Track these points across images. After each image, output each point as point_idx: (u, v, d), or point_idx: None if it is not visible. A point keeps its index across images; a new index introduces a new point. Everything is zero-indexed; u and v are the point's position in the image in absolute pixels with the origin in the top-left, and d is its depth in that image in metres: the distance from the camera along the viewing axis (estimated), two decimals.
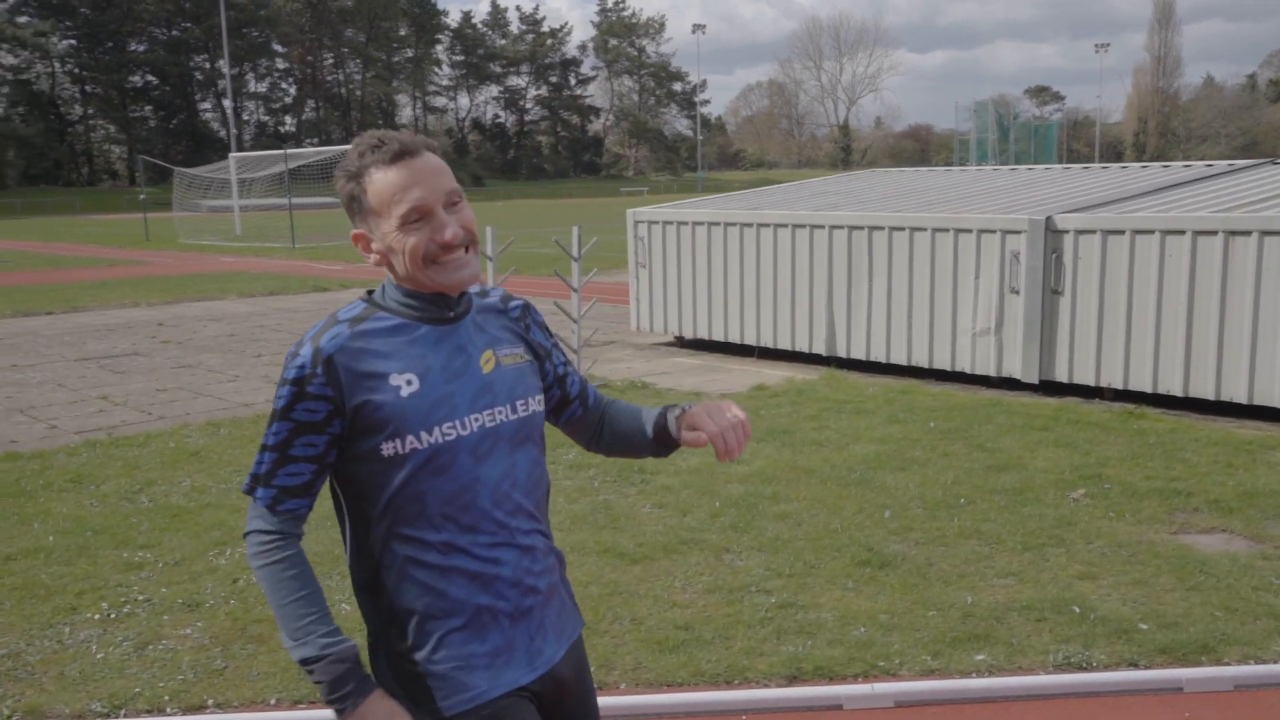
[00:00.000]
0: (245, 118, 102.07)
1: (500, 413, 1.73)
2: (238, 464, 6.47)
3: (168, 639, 4.08)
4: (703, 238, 10.28)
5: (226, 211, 37.18)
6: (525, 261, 19.35)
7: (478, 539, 1.69)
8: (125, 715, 3.56)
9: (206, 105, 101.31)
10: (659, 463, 6.34)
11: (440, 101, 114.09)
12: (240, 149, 65.45)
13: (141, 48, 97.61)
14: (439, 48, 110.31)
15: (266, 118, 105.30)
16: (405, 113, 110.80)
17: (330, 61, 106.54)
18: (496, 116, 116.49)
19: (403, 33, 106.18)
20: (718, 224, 10.13)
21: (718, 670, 3.78)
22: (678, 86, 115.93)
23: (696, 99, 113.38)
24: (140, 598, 4.45)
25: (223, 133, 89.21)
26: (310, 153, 34.68)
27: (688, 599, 4.39)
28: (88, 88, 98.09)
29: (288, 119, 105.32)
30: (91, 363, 10.37)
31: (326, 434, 1.64)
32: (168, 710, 3.59)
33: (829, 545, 4.91)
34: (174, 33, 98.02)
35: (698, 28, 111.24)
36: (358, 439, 1.64)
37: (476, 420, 1.69)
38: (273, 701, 3.63)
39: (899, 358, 8.90)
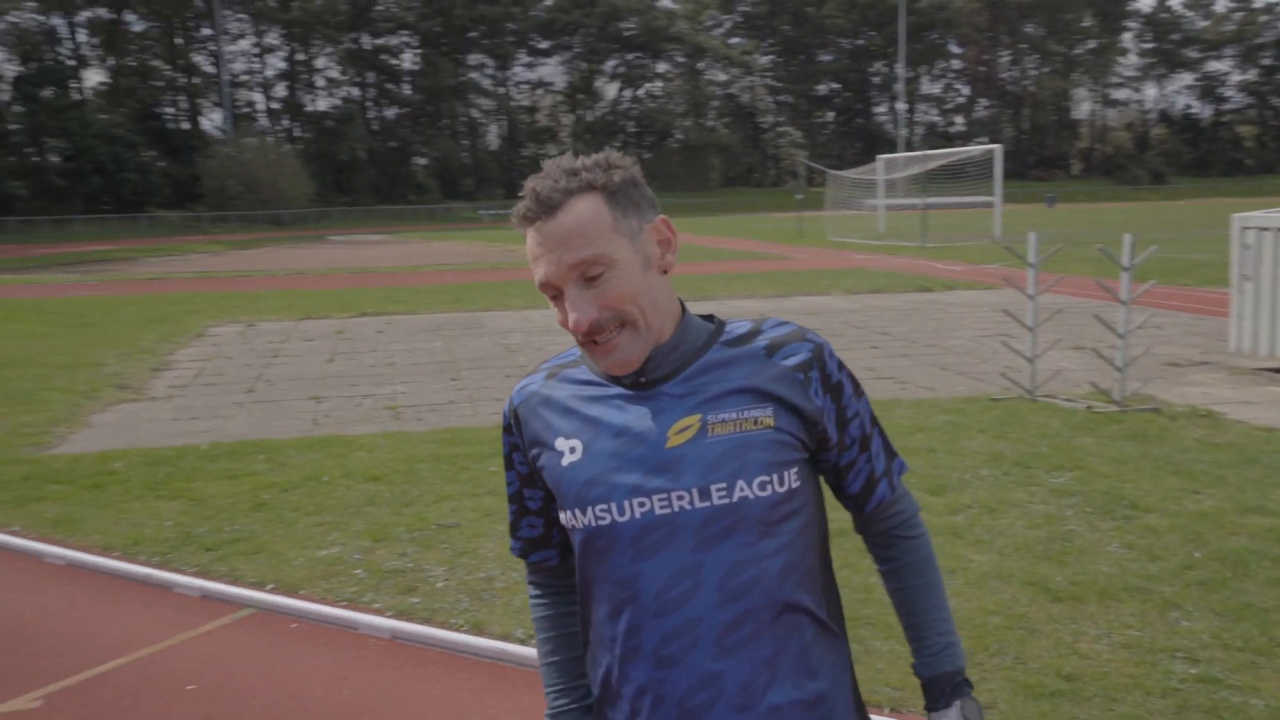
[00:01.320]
0: (916, 119, 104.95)
1: (680, 498, 1.37)
2: None
3: None
4: None
5: (873, 210, 38.93)
6: (1171, 270, 17.58)
7: (641, 647, 1.41)
8: (531, 641, 4.23)
9: (881, 109, 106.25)
10: (1154, 498, 5.61)
11: (1122, 94, 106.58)
12: (909, 149, 67.69)
13: (828, 58, 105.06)
14: (1126, 36, 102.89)
15: (937, 118, 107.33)
16: (1083, 107, 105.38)
17: (1006, 59, 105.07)
18: (1188, 107, 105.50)
19: (1086, 24, 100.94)
20: None
21: None
22: None
23: None
24: None
25: (894, 134, 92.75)
26: (948, 153, 34.89)
27: (1094, 650, 3.92)
28: (780, 98, 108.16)
29: (958, 119, 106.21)
30: None
31: (538, 488, 1.53)
32: None
33: None
34: (858, 41, 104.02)
35: None
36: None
37: (642, 505, 1.38)
38: None
39: None
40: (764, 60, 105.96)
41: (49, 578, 5.11)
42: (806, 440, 1.44)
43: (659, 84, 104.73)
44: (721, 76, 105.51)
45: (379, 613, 4.50)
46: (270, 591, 4.76)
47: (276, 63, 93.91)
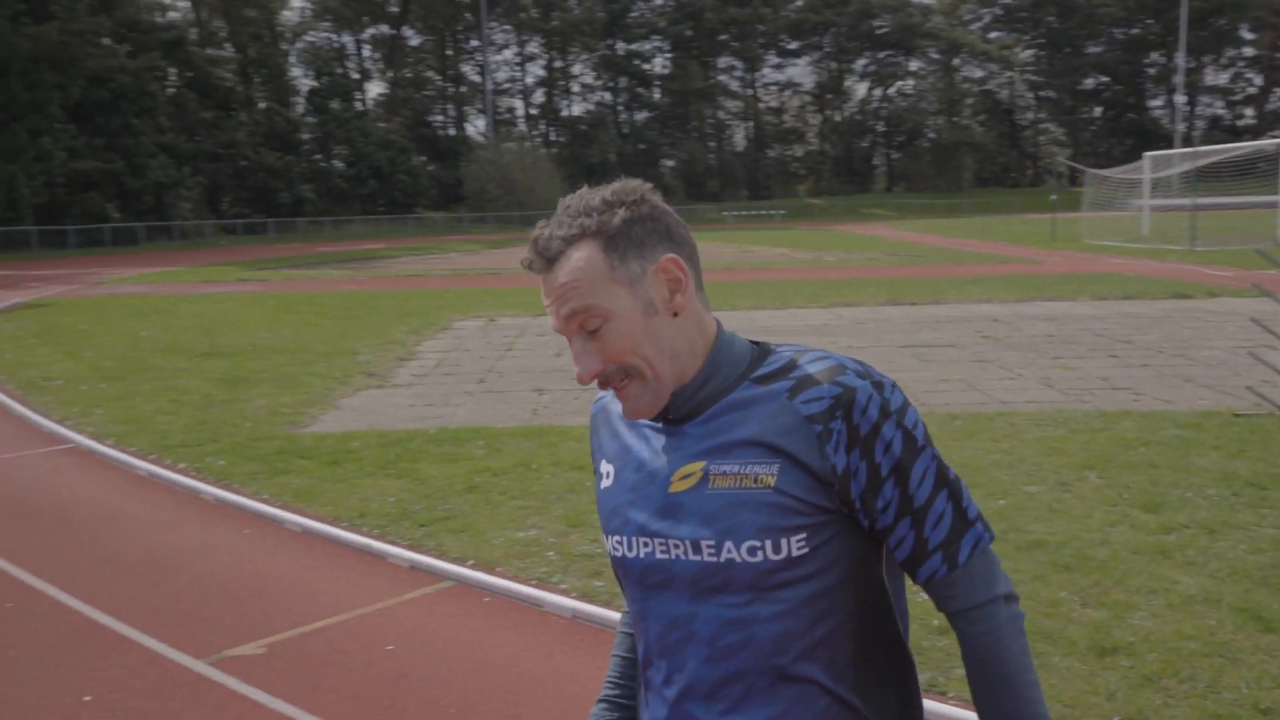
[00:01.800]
0: (1197, 112, 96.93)
1: (676, 547, 1.32)
2: (957, 459, 6.86)
3: None
4: None
5: (1137, 211, 36.33)
6: None
7: (651, 681, 1.39)
8: None
9: (1156, 102, 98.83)
10: None
11: None
12: (1188, 145, 62.82)
13: (1097, 49, 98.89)
14: None
15: (1223, 111, 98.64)
16: None
17: None
18: None
19: None
20: None
21: None
22: None
23: None
24: None
25: (1170, 128, 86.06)
26: (1231, 148, 31.98)
27: None
28: (1041, 93, 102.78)
29: (1248, 111, 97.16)
30: (908, 350, 11.56)
31: None
32: None
33: None
34: (1132, 31, 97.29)
35: None
36: None
37: (645, 545, 1.35)
38: None
39: None
40: (1025, 54, 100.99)
41: (286, 542, 5.71)
42: (822, 503, 1.29)
43: (910, 82, 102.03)
44: (978, 73, 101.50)
45: (564, 593, 4.76)
46: (470, 567, 5.12)
47: (536, 70, 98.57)
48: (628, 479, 1.39)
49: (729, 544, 1.28)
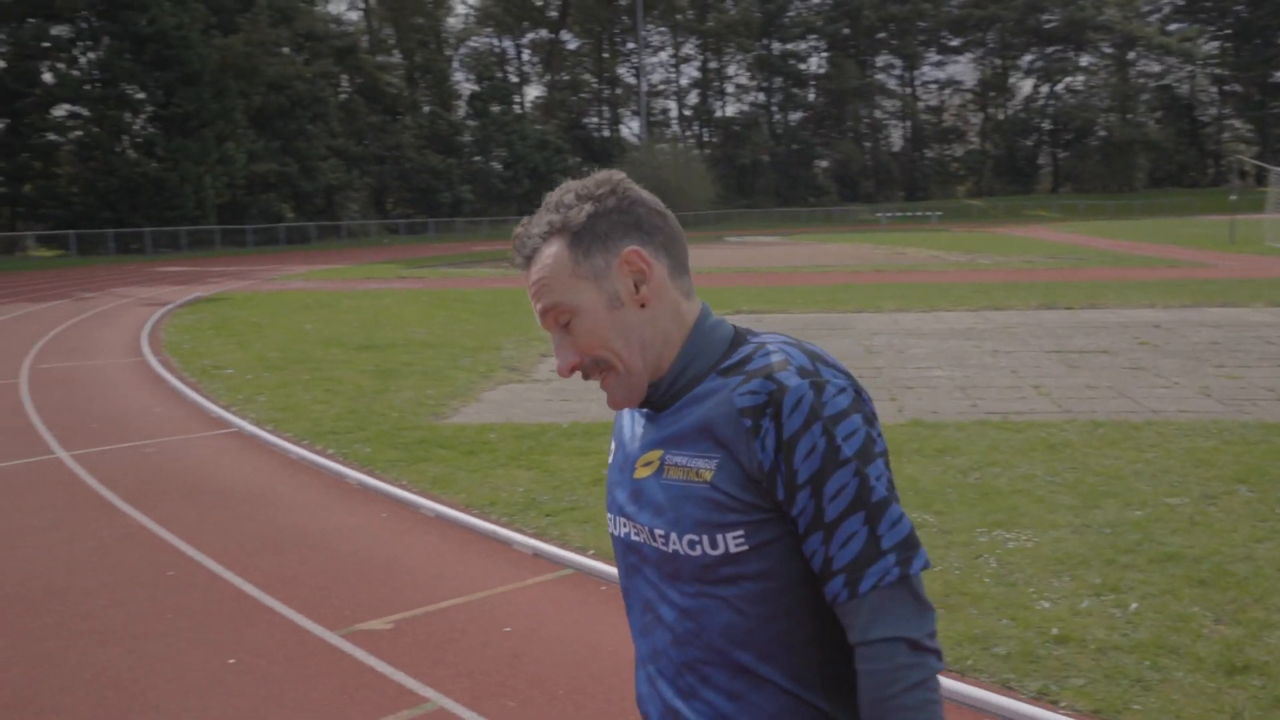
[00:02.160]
0: None
1: (641, 533, 1.36)
2: (1096, 467, 6.62)
3: None
4: None
5: None
6: None
7: (638, 655, 1.43)
8: None
9: None
10: None
11: None
12: None
13: None
14: None
15: None
16: None
17: None
18: None
19: None
20: None
21: None
22: None
23: None
24: None
25: None
26: None
27: None
28: (1227, 87, 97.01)
29: None
30: (1057, 355, 11.15)
31: None
32: None
33: None
34: None
35: None
36: None
37: (623, 526, 1.40)
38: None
39: None
40: (1209, 47, 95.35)
41: (420, 526, 5.99)
42: (755, 501, 1.27)
43: (1080, 78, 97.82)
44: (1155, 67, 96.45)
45: None
46: (590, 556, 5.26)
47: (691, 72, 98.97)
48: (618, 459, 1.44)
49: (674, 535, 1.30)
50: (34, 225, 48.80)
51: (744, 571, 1.28)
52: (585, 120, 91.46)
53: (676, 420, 1.33)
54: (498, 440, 7.81)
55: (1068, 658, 3.93)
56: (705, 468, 1.28)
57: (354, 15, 76.03)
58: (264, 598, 4.90)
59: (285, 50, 58.38)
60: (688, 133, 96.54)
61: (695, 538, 1.28)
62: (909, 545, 1.25)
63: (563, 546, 5.42)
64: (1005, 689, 3.74)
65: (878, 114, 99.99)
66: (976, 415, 8.21)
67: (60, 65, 50.49)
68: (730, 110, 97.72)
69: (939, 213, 73.84)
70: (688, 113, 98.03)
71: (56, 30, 50.51)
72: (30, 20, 48.41)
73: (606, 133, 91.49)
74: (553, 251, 1.34)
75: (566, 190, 1.38)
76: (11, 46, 48.56)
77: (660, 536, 1.32)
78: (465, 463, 7.19)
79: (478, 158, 73.51)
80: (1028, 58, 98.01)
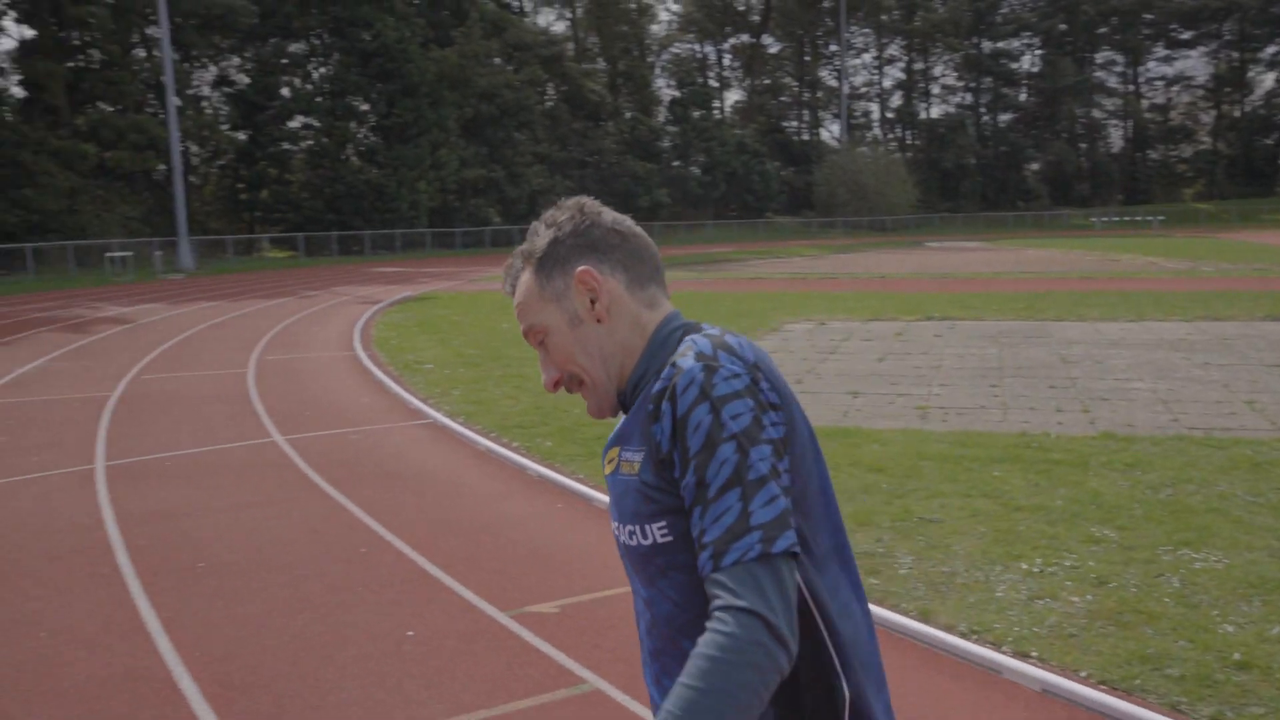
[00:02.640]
0: None
1: (615, 527, 1.45)
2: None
3: (1059, 600, 4.59)
4: None
5: None
6: None
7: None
8: (973, 637, 4.29)
9: None
10: None
11: None
12: None
13: None
14: None
15: None
16: None
17: None
18: None
19: None
20: None
21: None
22: None
23: None
24: (1068, 564, 4.99)
25: None
26: None
27: None
28: None
29: None
30: (1278, 370, 10.36)
31: None
32: (1002, 647, 4.19)
33: None
34: None
35: None
36: None
37: (614, 522, 1.46)
38: (1082, 675, 3.91)
39: None
40: None
41: (592, 517, 6.22)
42: (669, 488, 1.32)
43: None
44: None
45: None
46: None
47: (895, 73, 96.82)
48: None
49: (623, 527, 1.39)
50: (268, 228, 52.81)
51: (674, 562, 1.33)
52: (784, 124, 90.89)
53: (628, 419, 1.42)
54: None
55: (1249, 685, 3.72)
56: (636, 460, 1.36)
57: (561, 26, 78.36)
58: (444, 577, 5.23)
59: (497, 61, 60.85)
60: (889, 135, 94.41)
61: (634, 529, 1.36)
62: (778, 525, 1.24)
63: None
64: (1174, 711, 3.59)
65: (1095, 113, 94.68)
66: (1176, 430, 7.76)
67: (295, 80, 54.51)
68: (935, 112, 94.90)
69: (1161, 217, 69.28)
70: (890, 115, 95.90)
71: (294, 48, 54.59)
72: (272, 40, 52.51)
73: (806, 136, 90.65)
74: (525, 279, 1.49)
75: (539, 221, 1.51)
76: (255, 64, 52.78)
77: (618, 529, 1.42)
78: None
79: (677, 162, 74.35)
80: (1270, 49, 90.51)
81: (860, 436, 7.84)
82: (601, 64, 77.60)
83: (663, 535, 1.33)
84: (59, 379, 12.24)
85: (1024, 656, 4.07)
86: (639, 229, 1.53)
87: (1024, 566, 5.00)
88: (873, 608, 4.56)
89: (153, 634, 4.57)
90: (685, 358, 1.33)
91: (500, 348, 14.05)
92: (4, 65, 43.10)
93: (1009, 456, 7.05)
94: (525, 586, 5.07)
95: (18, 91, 42.21)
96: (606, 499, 6.40)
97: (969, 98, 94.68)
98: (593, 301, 1.45)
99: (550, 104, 67.39)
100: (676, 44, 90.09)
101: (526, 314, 1.48)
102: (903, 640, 4.33)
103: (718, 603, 1.20)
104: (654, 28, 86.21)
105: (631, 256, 1.49)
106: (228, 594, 5.05)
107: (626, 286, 1.47)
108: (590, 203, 1.51)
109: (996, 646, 4.17)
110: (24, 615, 4.83)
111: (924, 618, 4.47)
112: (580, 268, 1.46)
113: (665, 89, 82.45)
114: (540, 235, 1.49)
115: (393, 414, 9.73)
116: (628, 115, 73.40)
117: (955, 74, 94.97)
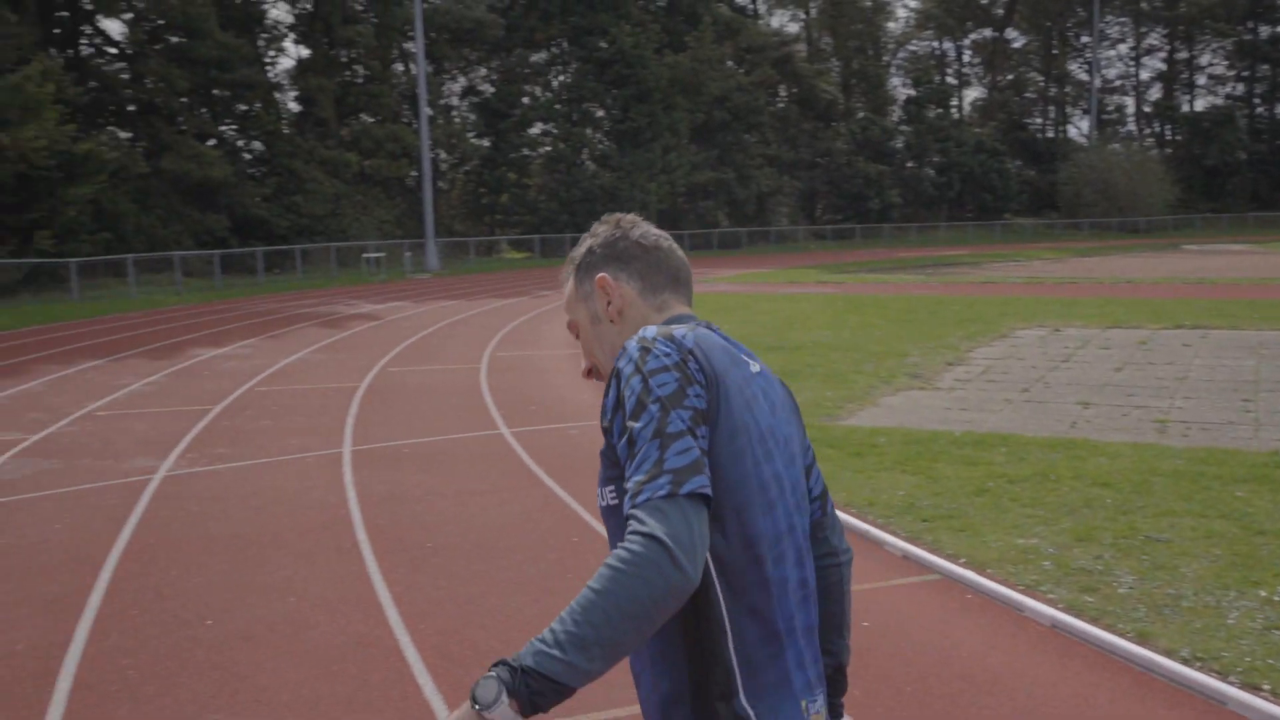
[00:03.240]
0: None
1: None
2: None
3: None
4: None
5: None
6: None
7: None
8: (1196, 664, 4.03)
9: None
10: None
11: None
12: None
13: None
14: None
15: None
16: None
17: None
18: None
19: None
20: None
21: None
22: None
23: None
24: None
25: None
26: None
27: None
28: None
29: None
30: None
31: None
32: (1229, 676, 3.92)
33: None
34: None
35: None
36: None
37: None
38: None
39: None
40: None
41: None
42: (616, 458, 1.50)
43: None
44: None
45: (1051, 602, 4.68)
46: (960, 564, 5.21)
47: (1154, 64, 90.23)
48: None
49: (604, 490, 1.55)
50: (507, 230, 55.35)
51: (624, 523, 1.41)
52: (1027, 121, 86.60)
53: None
54: (886, 444, 7.85)
55: None
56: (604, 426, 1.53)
57: (794, 27, 77.82)
58: None
59: (729, 64, 61.24)
60: (1145, 131, 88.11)
61: (599, 492, 1.57)
62: (689, 470, 1.37)
63: (934, 552, 5.41)
64: None
65: None
66: None
67: (536, 89, 56.90)
68: (1199, 105, 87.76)
69: None
70: (1147, 109, 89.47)
71: (535, 57, 57.02)
72: (516, 50, 55.06)
73: (1051, 133, 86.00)
74: (569, 281, 1.77)
75: (586, 233, 1.79)
76: (501, 74, 55.51)
77: (598, 493, 1.60)
78: (851, 463, 7.33)
79: (910, 163, 72.36)
80: None
81: (1086, 449, 7.45)
82: (835, 64, 76.58)
83: (611, 498, 1.52)
84: (316, 370, 13.38)
85: (1254, 689, 3.81)
86: (667, 243, 1.74)
87: (1262, 594, 4.65)
88: (1085, 626, 4.37)
89: (384, 605, 4.98)
90: (631, 340, 1.53)
91: None
92: (283, 82, 47.30)
93: (1256, 476, 6.53)
94: None
95: (294, 106, 46.25)
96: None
97: (1240, 88, 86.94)
98: (609, 304, 1.70)
99: (781, 105, 67.16)
100: (913, 41, 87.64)
101: (568, 310, 1.78)
102: (1113, 661, 4.13)
103: (628, 529, 1.35)
104: (890, 25, 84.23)
105: (650, 267, 1.72)
106: (451, 573, 5.41)
107: (640, 293, 1.70)
108: (627, 218, 1.76)
109: (1223, 676, 3.92)
110: (278, 581, 5.36)
111: (1142, 640, 4.25)
112: (600, 274, 1.71)
113: (900, 88, 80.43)
114: (582, 245, 1.76)
115: None
116: (860, 115, 72.08)
117: (1225, 63, 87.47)
